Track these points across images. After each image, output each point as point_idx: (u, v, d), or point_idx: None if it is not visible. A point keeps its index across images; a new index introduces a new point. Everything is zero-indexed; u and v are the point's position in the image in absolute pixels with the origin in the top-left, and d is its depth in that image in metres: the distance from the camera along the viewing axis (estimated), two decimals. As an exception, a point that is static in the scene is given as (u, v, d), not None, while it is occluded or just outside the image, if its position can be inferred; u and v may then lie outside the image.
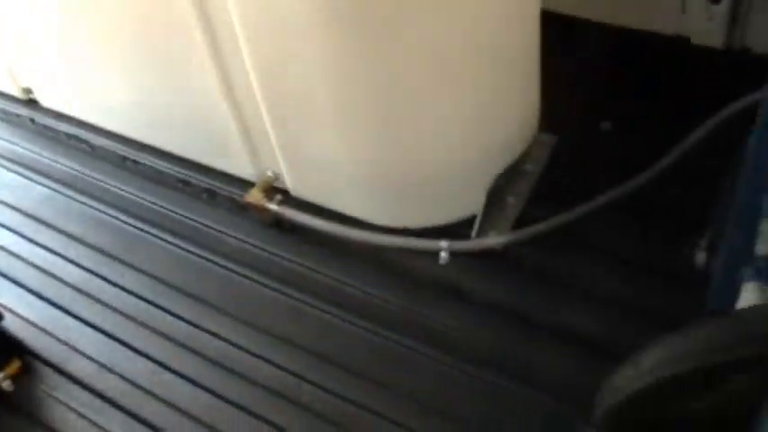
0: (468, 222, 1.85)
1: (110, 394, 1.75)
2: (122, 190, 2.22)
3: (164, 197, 2.16)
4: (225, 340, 1.80)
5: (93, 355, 1.83)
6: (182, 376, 1.75)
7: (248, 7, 1.59)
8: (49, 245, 2.10)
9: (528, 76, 1.88)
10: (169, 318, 1.87)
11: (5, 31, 2.28)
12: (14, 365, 1.81)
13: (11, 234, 2.16)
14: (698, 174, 1.81)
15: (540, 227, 1.81)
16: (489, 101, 1.77)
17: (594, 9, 2.19)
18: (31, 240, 2.13)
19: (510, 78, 1.82)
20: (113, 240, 2.08)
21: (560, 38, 1.91)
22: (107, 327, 1.88)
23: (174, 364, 1.78)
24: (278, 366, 1.73)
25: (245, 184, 2.04)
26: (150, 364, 1.79)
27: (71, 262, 2.05)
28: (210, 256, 1.98)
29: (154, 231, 2.08)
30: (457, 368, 1.66)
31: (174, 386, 1.74)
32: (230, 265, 1.96)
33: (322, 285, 1.87)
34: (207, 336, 1.81)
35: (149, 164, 2.22)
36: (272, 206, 1.97)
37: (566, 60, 2.01)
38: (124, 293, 1.94)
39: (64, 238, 2.11)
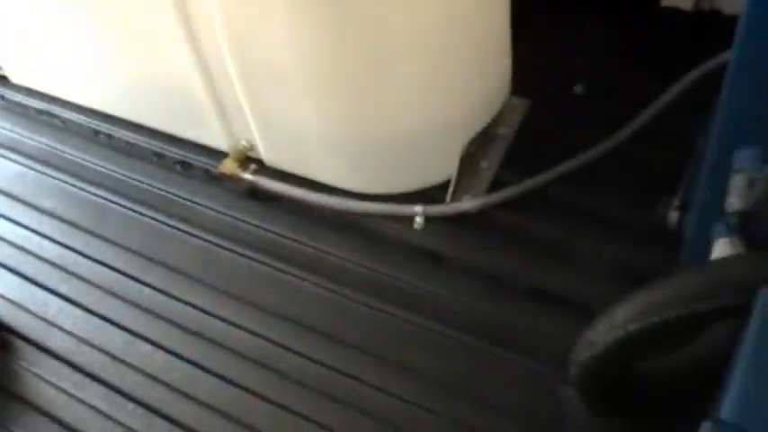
0: (443, 187, 1.86)
1: (88, 368, 1.75)
2: (95, 164, 2.20)
3: (137, 170, 2.15)
4: (202, 310, 1.80)
5: (71, 329, 1.82)
6: (160, 347, 1.75)
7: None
8: (23, 221, 2.09)
9: (499, 41, 1.88)
10: (146, 290, 1.86)
11: (-28, 8, 2.25)
12: (-8, 342, 1.80)
13: (-16, 212, 2.15)
14: (670, 134, 1.83)
15: (513, 189, 1.83)
16: (461, 66, 1.77)
17: (565, -27, 2.19)
18: (4, 217, 2.11)
19: (481, 43, 1.82)
20: (88, 214, 2.07)
21: (532, 2, 1.90)
22: (84, 300, 1.87)
23: (152, 335, 1.77)
24: (256, 334, 1.73)
25: (220, 155, 2.04)
26: (128, 336, 1.78)
27: (46, 237, 2.03)
28: (186, 228, 1.98)
29: (128, 204, 2.06)
30: (433, 331, 1.67)
31: (152, 357, 1.74)
32: (206, 235, 1.95)
33: (298, 253, 1.87)
34: (184, 306, 1.81)
35: (122, 137, 2.21)
36: (247, 176, 1.97)
37: (537, 24, 2.01)
38: (100, 267, 1.93)
39: (38, 214, 2.10)
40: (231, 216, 1.98)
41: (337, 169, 1.90)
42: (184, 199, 2.05)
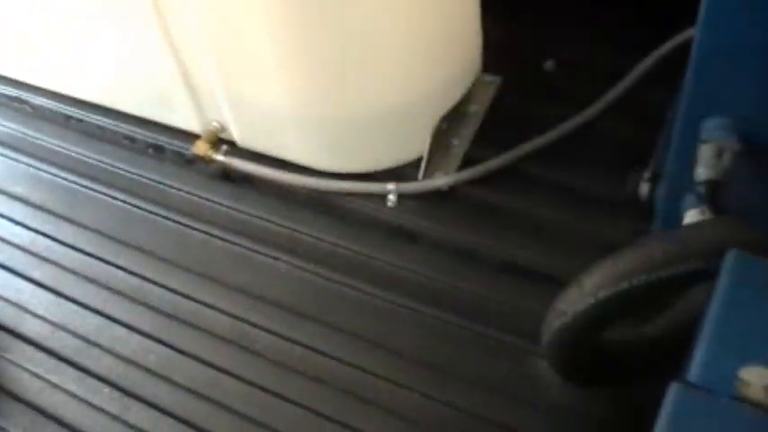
0: (415, 164, 1.86)
1: (63, 352, 1.74)
2: (67, 149, 2.18)
3: (109, 154, 2.13)
4: (176, 292, 1.79)
5: (44, 315, 1.81)
6: (134, 330, 1.75)
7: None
8: (-6, 208, 2.08)
9: (469, 18, 1.88)
10: (120, 273, 1.85)
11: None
12: (-35, 330, 1.79)
13: (-47, 199, 2.13)
14: (641, 108, 1.83)
15: (485, 165, 1.83)
16: (431, 44, 1.77)
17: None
18: (-25, 204, 2.10)
19: (451, 20, 1.82)
20: (60, 199, 2.05)
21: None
22: (57, 286, 1.86)
23: (127, 319, 1.77)
24: (230, 315, 1.73)
25: (192, 137, 2.02)
26: (102, 320, 1.77)
27: (18, 223, 2.01)
28: (159, 211, 1.97)
29: (101, 188, 2.05)
30: (407, 307, 1.68)
31: (127, 340, 1.73)
32: (179, 217, 1.94)
33: (272, 233, 1.87)
34: (158, 289, 1.81)
35: (93, 122, 2.19)
36: (219, 157, 1.96)
37: (507, 1, 2.01)
38: (72, 251, 1.92)
39: (9, 200, 2.08)
40: (204, 198, 1.97)
41: (310, 149, 1.89)
42: (157, 182, 2.04)
